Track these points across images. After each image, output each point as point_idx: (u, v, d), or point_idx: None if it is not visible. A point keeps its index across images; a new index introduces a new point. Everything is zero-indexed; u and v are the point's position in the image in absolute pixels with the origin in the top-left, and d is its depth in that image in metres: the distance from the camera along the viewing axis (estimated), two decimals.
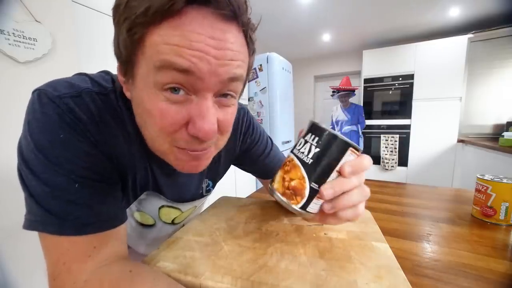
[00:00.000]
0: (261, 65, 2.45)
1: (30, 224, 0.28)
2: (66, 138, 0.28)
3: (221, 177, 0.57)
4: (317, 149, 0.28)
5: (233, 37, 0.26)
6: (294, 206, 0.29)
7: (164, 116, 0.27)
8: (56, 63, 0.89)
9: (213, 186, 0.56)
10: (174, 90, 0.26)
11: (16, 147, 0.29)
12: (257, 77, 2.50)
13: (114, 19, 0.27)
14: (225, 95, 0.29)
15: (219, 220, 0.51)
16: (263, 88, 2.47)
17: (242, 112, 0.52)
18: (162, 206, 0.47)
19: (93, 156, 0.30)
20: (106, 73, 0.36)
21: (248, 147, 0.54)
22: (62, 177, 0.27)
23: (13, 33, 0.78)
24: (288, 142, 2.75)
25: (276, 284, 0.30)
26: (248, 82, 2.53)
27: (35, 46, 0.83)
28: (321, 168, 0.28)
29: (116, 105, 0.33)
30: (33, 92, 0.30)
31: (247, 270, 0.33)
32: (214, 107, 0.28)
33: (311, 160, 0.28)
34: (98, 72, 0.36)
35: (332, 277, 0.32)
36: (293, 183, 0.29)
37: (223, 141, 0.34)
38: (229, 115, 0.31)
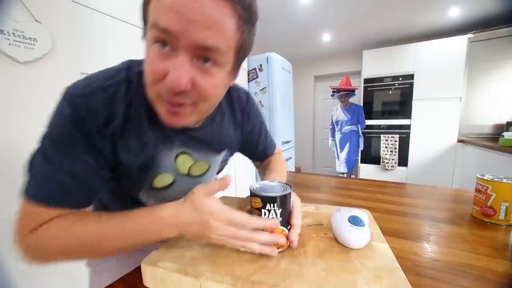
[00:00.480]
0: (261, 65, 2.44)
1: (21, 193, 0.35)
2: (71, 131, 0.34)
3: (235, 151, 0.62)
4: (280, 209, 0.38)
5: (213, 5, 0.29)
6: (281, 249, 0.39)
7: (151, 64, 0.32)
8: (56, 63, 0.89)
9: (230, 155, 0.60)
10: (163, 44, 0.31)
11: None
12: (257, 77, 2.50)
13: None
14: (205, 60, 0.32)
15: None
16: (263, 88, 2.47)
17: (248, 95, 0.59)
18: (178, 155, 0.48)
19: (91, 153, 0.36)
20: (128, 62, 0.42)
21: (251, 127, 0.61)
22: (59, 155, 0.34)
23: (13, 33, 0.77)
24: (288, 142, 2.75)
25: (276, 284, 0.30)
26: (248, 82, 2.54)
27: (35, 46, 0.83)
28: (286, 217, 0.39)
29: (124, 93, 0.38)
30: (64, 89, 0.36)
31: (247, 270, 0.33)
32: (191, 66, 0.32)
33: (281, 218, 0.38)
34: (123, 61, 0.42)
35: (332, 277, 0.32)
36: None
37: (205, 106, 0.38)
38: (209, 82, 0.34)
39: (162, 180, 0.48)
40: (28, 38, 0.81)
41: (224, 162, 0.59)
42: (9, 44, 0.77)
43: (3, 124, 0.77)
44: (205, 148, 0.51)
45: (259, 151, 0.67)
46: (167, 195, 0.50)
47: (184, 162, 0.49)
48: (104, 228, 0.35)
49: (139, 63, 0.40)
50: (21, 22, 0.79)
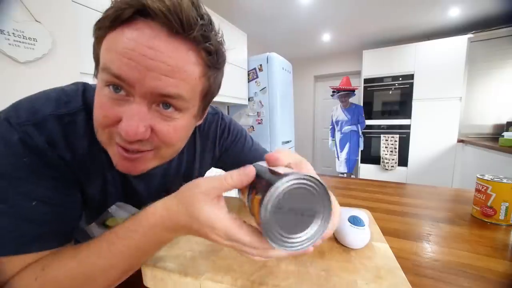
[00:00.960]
0: (261, 65, 2.44)
1: None
2: (30, 161, 0.29)
3: (203, 173, 0.57)
4: None
5: (174, 51, 0.27)
6: None
7: (101, 108, 0.29)
8: (56, 63, 0.89)
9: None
10: (117, 88, 0.28)
11: None
12: (257, 77, 2.50)
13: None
14: (167, 106, 0.30)
15: None
16: (263, 88, 2.47)
17: (217, 117, 0.54)
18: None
19: (59, 180, 0.31)
20: (83, 86, 0.37)
21: (227, 147, 0.56)
22: (21, 194, 0.28)
23: (13, 33, 0.77)
24: (288, 142, 2.75)
25: (276, 284, 0.30)
26: (248, 82, 2.54)
27: (35, 46, 0.83)
28: None
29: (83, 124, 0.34)
30: None
31: (247, 270, 0.33)
32: (149, 113, 0.29)
33: None
34: (75, 84, 0.37)
35: (332, 277, 0.32)
36: None
37: (168, 152, 0.34)
38: (172, 128, 0.31)
39: (115, 222, 0.46)
40: (28, 38, 0.81)
41: None
42: (9, 44, 0.77)
43: None
44: (157, 187, 0.47)
45: (250, 162, 0.60)
46: None
47: None
48: (87, 265, 0.28)
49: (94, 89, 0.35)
50: (21, 22, 0.79)
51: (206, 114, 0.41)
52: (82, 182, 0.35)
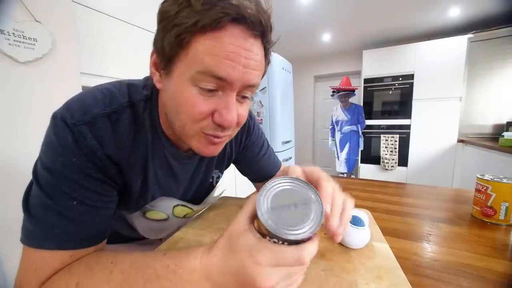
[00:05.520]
0: None
1: (20, 238, 0.31)
2: (78, 162, 0.31)
3: (227, 167, 0.60)
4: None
5: (257, 49, 0.32)
6: None
7: (195, 106, 0.32)
8: (56, 63, 0.88)
9: (221, 174, 0.59)
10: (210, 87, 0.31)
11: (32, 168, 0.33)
12: None
13: (160, 22, 0.31)
14: (244, 96, 0.35)
15: (220, 220, 0.51)
16: (263, 88, 2.47)
17: (251, 117, 0.59)
18: (177, 205, 0.50)
19: (100, 181, 0.34)
20: (127, 84, 0.39)
21: (247, 144, 0.59)
22: (64, 193, 0.31)
23: (13, 33, 0.77)
24: (288, 142, 2.75)
25: None
26: None
27: (35, 46, 0.83)
28: None
29: (129, 120, 0.36)
30: (52, 116, 0.33)
31: None
32: (236, 103, 0.34)
33: None
34: (118, 82, 0.39)
35: (332, 277, 0.32)
36: None
37: (236, 131, 0.40)
38: (245, 111, 0.37)
39: (156, 214, 0.49)
40: (28, 38, 0.81)
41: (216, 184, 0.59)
42: (9, 44, 0.77)
43: (3, 124, 0.77)
44: (202, 179, 0.52)
45: (259, 169, 0.62)
46: (157, 225, 0.52)
47: (182, 211, 0.52)
48: None
49: (141, 86, 0.39)
50: (21, 22, 0.79)
51: None
52: (124, 177, 0.38)
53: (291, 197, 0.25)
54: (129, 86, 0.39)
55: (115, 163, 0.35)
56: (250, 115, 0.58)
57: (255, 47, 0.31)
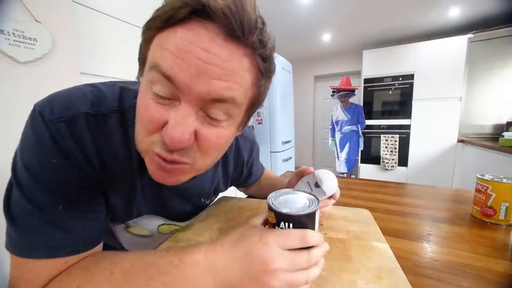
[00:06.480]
0: None
1: (5, 244, 0.29)
2: (58, 163, 0.28)
3: (225, 190, 0.59)
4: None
5: (230, 55, 0.25)
6: None
7: (146, 111, 0.27)
8: (56, 63, 0.89)
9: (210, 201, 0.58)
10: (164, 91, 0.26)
11: (12, 158, 0.30)
12: None
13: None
14: (214, 113, 0.28)
15: (220, 220, 0.51)
16: None
17: (255, 146, 0.59)
18: (162, 224, 0.47)
19: (83, 183, 0.30)
20: (120, 88, 0.35)
21: (249, 173, 0.62)
22: (47, 197, 0.28)
23: (13, 33, 0.78)
24: (288, 142, 2.75)
25: None
26: None
27: (35, 46, 0.83)
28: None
29: (115, 127, 0.32)
30: (32, 109, 0.29)
31: None
32: (196, 119, 0.27)
33: None
34: (112, 84, 0.36)
35: (332, 277, 0.32)
36: None
37: (202, 162, 0.31)
38: (214, 135, 0.29)
39: (139, 231, 0.46)
40: (28, 38, 0.81)
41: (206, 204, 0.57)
42: (9, 44, 0.77)
43: (3, 124, 0.77)
44: (194, 201, 0.50)
45: (245, 179, 0.63)
46: (140, 240, 0.48)
47: (168, 229, 0.49)
48: None
49: (134, 91, 0.33)
50: (21, 22, 0.79)
51: (245, 127, 0.39)
52: (105, 187, 0.34)
53: (295, 195, 0.32)
54: (122, 89, 0.35)
55: (95, 171, 0.31)
56: (255, 149, 0.59)
57: (226, 52, 0.25)
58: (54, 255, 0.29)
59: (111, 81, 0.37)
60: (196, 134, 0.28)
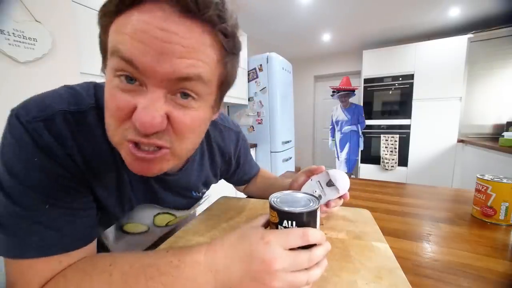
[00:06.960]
0: (261, 65, 2.44)
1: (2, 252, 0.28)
2: (40, 161, 0.28)
3: (216, 182, 0.59)
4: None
5: (188, 32, 0.25)
6: None
7: (113, 100, 0.26)
8: (56, 63, 0.89)
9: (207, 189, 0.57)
10: (130, 79, 0.26)
11: None
12: (257, 77, 2.50)
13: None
14: (184, 95, 0.27)
15: (219, 220, 0.51)
16: (263, 88, 2.47)
17: (240, 136, 0.58)
18: (158, 214, 0.47)
19: (67, 179, 0.30)
20: (94, 86, 0.35)
21: (237, 165, 0.61)
22: (33, 198, 0.28)
23: (13, 33, 0.78)
24: (288, 142, 2.75)
25: None
26: (248, 82, 2.54)
27: (35, 46, 0.83)
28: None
29: (94, 123, 0.32)
30: (10, 113, 0.29)
31: None
32: (165, 102, 0.26)
33: None
34: (86, 83, 0.36)
35: (332, 277, 0.32)
36: None
37: (181, 147, 0.30)
38: (188, 117, 0.28)
39: (134, 227, 0.46)
40: (28, 38, 0.81)
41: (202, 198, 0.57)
42: (9, 44, 0.77)
43: (3, 124, 0.77)
44: (185, 194, 0.49)
45: (239, 176, 0.65)
46: (135, 240, 0.48)
47: (163, 219, 0.49)
48: None
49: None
50: (21, 22, 0.79)
51: (221, 108, 0.39)
52: (91, 184, 0.34)
53: (296, 195, 0.34)
54: (96, 87, 0.35)
55: (80, 169, 0.31)
56: (241, 139, 0.58)
57: (184, 29, 0.24)
58: (46, 253, 0.28)
59: (85, 82, 0.36)
60: (169, 117, 0.27)
